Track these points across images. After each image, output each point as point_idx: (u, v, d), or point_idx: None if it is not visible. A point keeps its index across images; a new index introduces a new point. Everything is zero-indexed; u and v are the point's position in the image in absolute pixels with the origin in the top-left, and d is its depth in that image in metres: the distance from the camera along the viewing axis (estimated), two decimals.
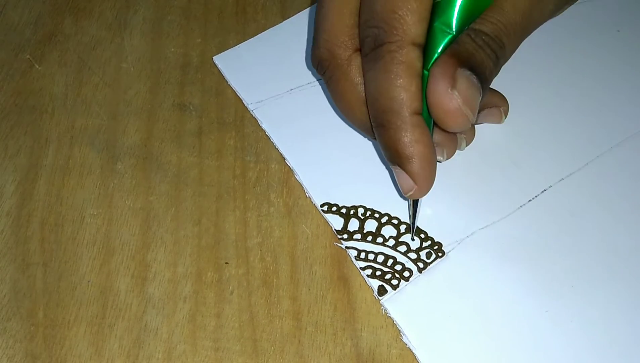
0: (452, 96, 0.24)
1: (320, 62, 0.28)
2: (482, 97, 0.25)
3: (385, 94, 0.25)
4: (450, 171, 0.32)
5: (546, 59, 0.36)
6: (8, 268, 0.30)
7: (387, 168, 0.32)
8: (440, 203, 0.31)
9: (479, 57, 0.25)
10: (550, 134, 0.34)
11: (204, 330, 0.28)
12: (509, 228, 0.31)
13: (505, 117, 0.33)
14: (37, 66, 0.36)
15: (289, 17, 0.38)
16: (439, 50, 0.25)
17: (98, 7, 0.39)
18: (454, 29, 0.25)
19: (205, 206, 0.32)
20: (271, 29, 0.37)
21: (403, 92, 0.25)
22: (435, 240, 0.30)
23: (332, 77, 0.28)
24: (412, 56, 0.25)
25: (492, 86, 0.35)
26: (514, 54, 0.36)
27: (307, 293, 0.29)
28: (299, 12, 0.38)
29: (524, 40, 0.37)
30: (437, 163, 0.31)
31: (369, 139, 0.33)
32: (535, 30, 0.37)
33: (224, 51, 0.37)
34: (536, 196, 0.32)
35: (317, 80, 0.35)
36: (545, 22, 0.28)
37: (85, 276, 0.29)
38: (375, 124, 0.27)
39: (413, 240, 0.30)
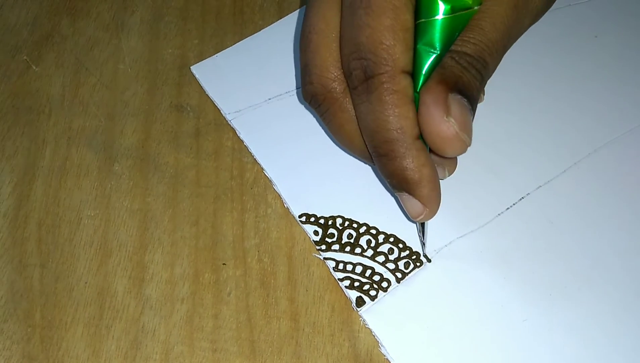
0: (449, 124, 0.24)
1: (314, 97, 0.28)
2: (473, 117, 0.25)
3: (385, 125, 0.25)
4: None
5: (523, 66, 0.36)
6: (5, 269, 0.30)
7: (392, 194, 0.32)
8: None
9: (465, 79, 0.25)
10: (527, 142, 0.33)
11: (202, 331, 0.28)
12: (486, 237, 0.30)
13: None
14: (34, 67, 0.36)
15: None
16: (425, 70, 0.25)
17: (95, 8, 0.39)
18: (437, 49, 0.25)
19: (202, 207, 0.32)
20: (248, 38, 0.37)
21: (403, 121, 0.25)
22: (414, 250, 0.30)
23: (329, 110, 0.28)
24: (405, 83, 0.25)
25: None
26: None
27: (305, 294, 0.29)
28: (281, 18, 0.38)
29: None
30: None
31: (368, 164, 0.32)
32: None
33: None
34: (514, 204, 0.31)
35: (295, 89, 0.35)
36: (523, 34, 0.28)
37: (82, 277, 0.29)
38: (376, 154, 0.26)
39: (429, 261, 0.30)
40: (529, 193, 0.32)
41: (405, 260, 0.30)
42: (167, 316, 0.29)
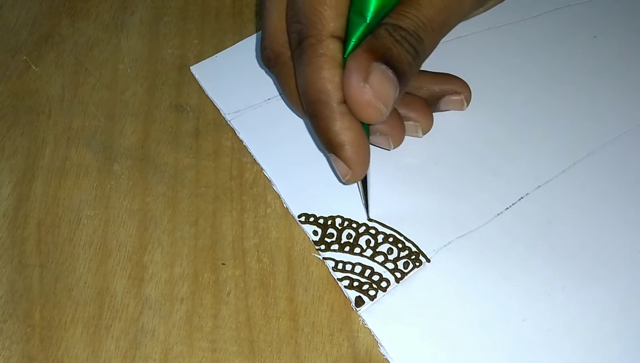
0: (364, 90, 0.25)
1: (269, 62, 0.30)
2: (401, 90, 0.26)
3: (312, 86, 0.26)
4: (427, 180, 0.32)
5: (523, 65, 0.36)
6: (5, 269, 0.30)
7: (325, 155, 0.32)
8: (418, 212, 0.31)
9: (396, 51, 0.26)
10: (526, 142, 0.33)
11: (201, 331, 0.28)
12: (486, 237, 0.30)
13: (468, 104, 0.34)
14: (33, 67, 0.36)
15: None
16: (354, 38, 0.26)
17: (95, 8, 0.39)
18: (367, 18, 0.26)
19: (202, 207, 0.32)
20: (248, 38, 0.37)
21: (328, 84, 0.26)
22: (413, 250, 0.30)
23: (280, 74, 0.30)
24: (333, 47, 0.26)
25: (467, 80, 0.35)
26: (482, 58, 0.36)
27: (304, 294, 0.29)
28: None
29: (494, 44, 0.37)
30: (387, 150, 0.32)
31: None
32: (511, 37, 0.37)
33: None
34: (513, 204, 0.31)
35: None
36: (466, 18, 0.28)
37: (82, 277, 0.29)
38: (308, 115, 0.27)
39: (369, 219, 0.31)
40: (528, 193, 0.32)
41: (405, 260, 0.30)
42: (167, 316, 0.29)
